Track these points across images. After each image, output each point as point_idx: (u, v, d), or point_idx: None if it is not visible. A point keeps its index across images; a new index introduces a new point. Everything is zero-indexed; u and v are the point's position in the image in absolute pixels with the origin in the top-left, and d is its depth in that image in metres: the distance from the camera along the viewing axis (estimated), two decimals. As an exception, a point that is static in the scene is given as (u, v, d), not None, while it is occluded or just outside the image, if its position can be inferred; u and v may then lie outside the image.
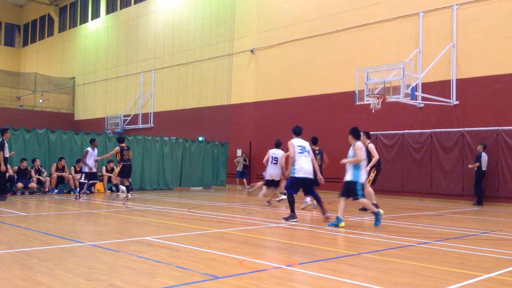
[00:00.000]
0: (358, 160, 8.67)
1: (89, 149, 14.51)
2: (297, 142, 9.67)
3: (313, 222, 9.67)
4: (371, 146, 11.76)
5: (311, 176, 9.56)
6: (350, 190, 8.72)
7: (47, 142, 17.27)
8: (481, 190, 14.93)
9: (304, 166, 9.46)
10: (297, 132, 9.92)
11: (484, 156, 14.91)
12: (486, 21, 15.99)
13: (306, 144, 9.76)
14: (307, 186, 9.69)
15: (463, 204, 14.98)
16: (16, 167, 15.70)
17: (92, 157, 14.46)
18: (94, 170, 14.76)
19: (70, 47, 37.39)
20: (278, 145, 13.58)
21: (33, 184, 15.70)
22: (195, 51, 26.71)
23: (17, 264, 5.12)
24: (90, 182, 15.21)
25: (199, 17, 26.78)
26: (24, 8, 43.70)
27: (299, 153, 9.53)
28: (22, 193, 15.51)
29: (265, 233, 8.01)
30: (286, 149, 10.77)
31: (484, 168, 14.86)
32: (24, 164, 15.75)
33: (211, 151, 22.41)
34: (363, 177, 8.86)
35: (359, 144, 8.89)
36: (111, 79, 32.76)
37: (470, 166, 15.23)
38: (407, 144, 17.26)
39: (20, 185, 15.34)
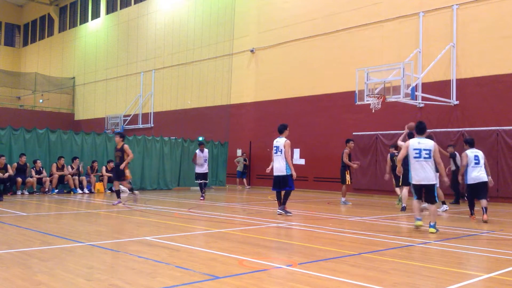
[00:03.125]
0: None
1: None
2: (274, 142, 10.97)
3: (314, 222, 9.67)
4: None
5: (280, 173, 10.70)
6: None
7: (47, 142, 17.28)
8: (459, 189, 14.96)
9: (275, 165, 10.80)
10: (278, 130, 10.94)
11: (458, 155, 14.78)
12: (486, 21, 15.99)
13: (279, 144, 10.81)
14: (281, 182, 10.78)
15: (463, 204, 14.98)
16: (16, 163, 15.71)
17: None
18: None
19: (70, 47, 37.39)
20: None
21: (30, 179, 15.72)
22: (195, 51, 26.71)
23: (17, 264, 5.12)
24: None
25: (199, 17, 26.78)
26: (24, 8, 43.70)
27: (274, 153, 10.88)
28: (22, 193, 15.53)
29: (265, 233, 8.01)
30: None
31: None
32: (23, 159, 15.75)
33: (211, 151, 22.40)
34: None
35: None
36: (111, 79, 32.75)
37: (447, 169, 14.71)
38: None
39: (19, 180, 15.42)
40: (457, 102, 16.43)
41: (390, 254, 6.19)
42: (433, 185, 8.36)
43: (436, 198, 8.54)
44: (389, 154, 14.38)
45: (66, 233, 7.48)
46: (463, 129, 16.01)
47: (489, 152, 15.28)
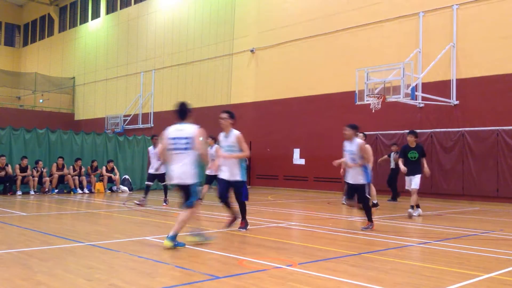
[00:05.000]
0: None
1: None
2: None
3: (314, 222, 9.67)
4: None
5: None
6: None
7: (47, 142, 17.28)
8: (396, 187, 15.67)
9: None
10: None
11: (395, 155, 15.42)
12: (486, 21, 15.99)
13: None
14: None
15: (463, 204, 14.99)
16: (18, 165, 15.75)
17: None
18: None
19: (70, 47, 37.39)
20: None
21: (29, 174, 15.76)
22: (195, 51, 26.70)
23: (17, 264, 5.12)
24: None
25: (199, 17, 26.77)
26: (24, 8, 43.69)
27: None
28: (27, 193, 15.57)
29: (265, 233, 8.01)
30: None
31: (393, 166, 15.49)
32: (25, 162, 15.80)
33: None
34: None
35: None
36: (111, 79, 32.75)
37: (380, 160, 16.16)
38: (407, 144, 17.24)
39: (19, 177, 15.56)
40: (457, 102, 16.42)
41: (390, 254, 6.19)
42: (190, 185, 6.39)
43: (193, 200, 6.43)
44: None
45: (66, 233, 7.48)
46: (463, 129, 16.01)
47: (489, 152, 15.32)
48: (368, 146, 8.95)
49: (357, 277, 4.83)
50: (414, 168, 10.82)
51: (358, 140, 8.49)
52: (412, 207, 10.68)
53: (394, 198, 15.85)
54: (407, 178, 11.03)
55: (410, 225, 9.55)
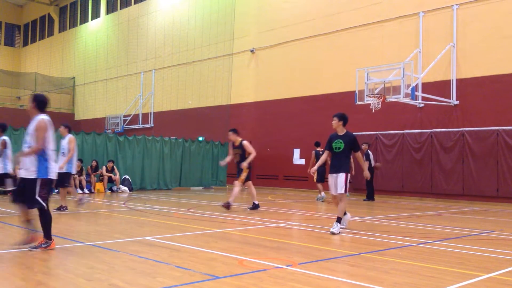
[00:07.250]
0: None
1: None
2: None
3: (314, 222, 9.67)
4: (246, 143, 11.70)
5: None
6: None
7: (47, 142, 17.27)
8: (373, 186, 15.84)
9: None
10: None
11: (371, 154, 15.89)
12: (486, 21, 15.99)
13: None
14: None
15: (463, 204, 14.99)
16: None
17: None
18: None
19: (70, 47, 37.39)
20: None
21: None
22: (195, 51, 26.70)
23: (17, 264, 5.12)
24: None
25: (199, 17, 26.78)
26: (24, 8, 43.69)
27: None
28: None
29: (265, 233, 8.01)
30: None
31: (372, 165, 15.67)
32: None
33: (211, 151, 22.41)
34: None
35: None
36: (111, 79, 32.75)
37: (377, 164, 16.37)
38: (407, 144, 17.26)
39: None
40: (457, 102, 16.43)
41: (390, 254, 6.19)
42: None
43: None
44: (313, 152, 15.47)
45: (66, 233, 7.48)
46: (463, 129, 16.02)
47: (489, 152, 15.32)
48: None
49: (357, 277, 4.83)
50: (338, 163, 8.13)
51: (40, 116, 6.03)
52: (338, 219, 7.95)
53: (369, 197, 15.86)
54: (330, 176, 8.26)
55: (410, 225, 9.55)
